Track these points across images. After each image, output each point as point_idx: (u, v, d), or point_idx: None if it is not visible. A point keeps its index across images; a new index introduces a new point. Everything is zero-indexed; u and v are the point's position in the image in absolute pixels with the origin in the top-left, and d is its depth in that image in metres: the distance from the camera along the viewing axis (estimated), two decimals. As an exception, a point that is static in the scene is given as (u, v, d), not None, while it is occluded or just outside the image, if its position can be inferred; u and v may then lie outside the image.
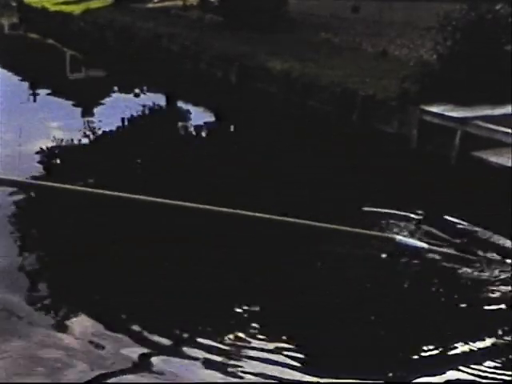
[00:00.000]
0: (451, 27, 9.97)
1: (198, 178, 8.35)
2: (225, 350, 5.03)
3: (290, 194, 7.64)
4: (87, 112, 12.25)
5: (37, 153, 9.50)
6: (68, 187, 5.74)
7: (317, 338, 5.18)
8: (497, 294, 5.74)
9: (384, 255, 6.13)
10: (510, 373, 4.83)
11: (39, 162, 9.20)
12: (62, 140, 10.18)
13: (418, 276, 6.03)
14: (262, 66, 13.12)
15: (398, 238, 6.12)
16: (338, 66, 12.23)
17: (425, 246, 6.09)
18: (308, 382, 4.85)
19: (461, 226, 6.98)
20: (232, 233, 6.25)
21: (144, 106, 13.09)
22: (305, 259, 6.12)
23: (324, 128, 10.47)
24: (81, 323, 5.33)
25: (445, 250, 6.24)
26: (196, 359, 4.94)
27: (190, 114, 12.70)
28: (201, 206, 5.52)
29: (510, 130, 8.33)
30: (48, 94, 13.84)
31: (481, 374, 4.82)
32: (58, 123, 11.22)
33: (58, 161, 9.52)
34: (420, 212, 7.27)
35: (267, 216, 5.64)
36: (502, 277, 5.95)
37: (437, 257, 6.14)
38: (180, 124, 12.05)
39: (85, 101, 12.95)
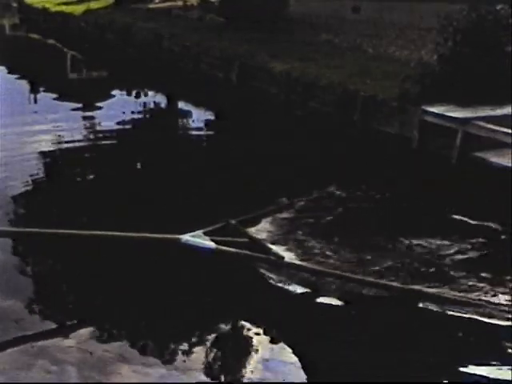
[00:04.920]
0: (452, 28, 9.98)
1: (196, 179, 8.35)
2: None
3: (290, 195, 7.66)
4: (87, 112, 12.28)
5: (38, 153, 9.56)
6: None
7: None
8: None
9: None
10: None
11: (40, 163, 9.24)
12: (62, 141, 10.23)
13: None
14: (262, 66, 13.13)
15: (184, 238, 5.84)
16: (339, 66, 12.24)
17: (213, 246, 5.82)
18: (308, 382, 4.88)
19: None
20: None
21: (145, 106, 13.14)
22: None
23: (325, 129, 10.48)
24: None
25: (237, 250, 5.94)
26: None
27: (191, 114, 12.74)
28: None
29: (510, 131, 8.34)
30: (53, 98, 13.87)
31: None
32: (59, 124, 11.26)
33: (59, 161, 9.56)
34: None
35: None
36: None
37: None
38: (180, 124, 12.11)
39: (85, 101, 12.96)
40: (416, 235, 6.65)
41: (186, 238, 5.83)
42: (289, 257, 6.10)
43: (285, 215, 7.13)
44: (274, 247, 6.14)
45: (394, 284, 5.78)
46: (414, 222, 7.11)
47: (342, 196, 7.73)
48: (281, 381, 4.81)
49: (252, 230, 6.56)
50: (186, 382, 4.78)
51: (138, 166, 9.56)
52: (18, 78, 15.77)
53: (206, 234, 6.01)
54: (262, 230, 6.69)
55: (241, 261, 5.94)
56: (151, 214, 7.17)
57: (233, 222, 6.49)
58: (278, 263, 5.93)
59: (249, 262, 6.00)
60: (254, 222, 6.81)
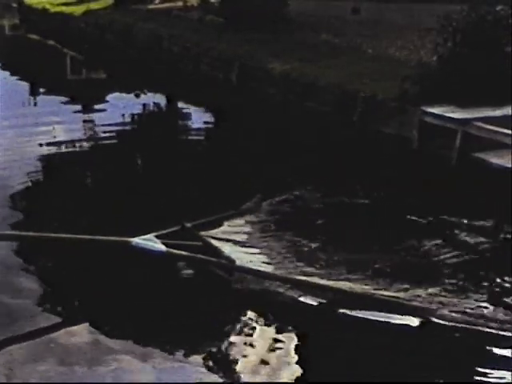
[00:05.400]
0: (451, 28, 9.98)
1: (195, 179, 8.34)
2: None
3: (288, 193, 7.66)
4: (88, 112, 12.29)
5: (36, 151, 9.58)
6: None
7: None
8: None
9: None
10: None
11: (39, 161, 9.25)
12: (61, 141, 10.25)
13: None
14: (262, 66, 13.12)
15: (135, 241, 5.80)
16: (338, 67, 12.23)
17: (163, 249, 5.76)
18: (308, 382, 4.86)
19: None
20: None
21: (144, 106, 13.14)
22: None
23: (324, 129, 10.47)
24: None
25: (187, 253, 5.85)
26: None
27: (190, 114, 12.75)
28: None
29: (510, 131, 8.33)
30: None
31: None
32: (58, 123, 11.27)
33: (58, 160, 9.57)
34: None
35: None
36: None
37: None
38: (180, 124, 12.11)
39: (85, 101, 12.96)
40: (412, 236, 6.63)
41: (137, 241, 5.79)
42: (247, 260, 6.03)
43: (247, 218, 7.03)
44: (226, 251, 6.03)
45: (353, 289, 5.62)
46: (409, 223, 7.07)
47: (308, 198, 7.64)
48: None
49: (213, 233, 6.47)
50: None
51: (138, 162, 9.55)
52: (15, 76, 15.79)
53: (160, 236, 5.96)
54: (223, 232, 6.59)
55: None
56: (147, 212, 7.14)
57: (188, 225, 6.37)
58: (228, 267, 5.85)
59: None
60: (216, 224, 6.72)
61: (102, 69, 17.59)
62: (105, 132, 11.00)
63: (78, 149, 9.99)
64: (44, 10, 24.74)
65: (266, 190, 7.67)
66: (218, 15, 18.03)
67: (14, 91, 14.20)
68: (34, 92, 14.18)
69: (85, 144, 10.37)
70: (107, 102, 13.39)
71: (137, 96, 14.26)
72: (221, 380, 4.82)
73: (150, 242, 5.83)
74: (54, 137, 10.33)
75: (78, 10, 22.84)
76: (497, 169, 8.06)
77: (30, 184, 8.33)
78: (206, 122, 12.10)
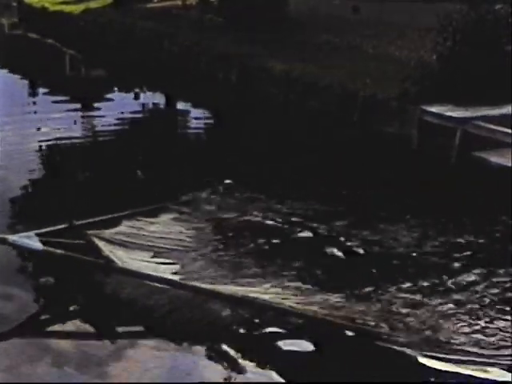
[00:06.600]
0: (451, 28, 9.98)
1: (195, 179, 8.34)
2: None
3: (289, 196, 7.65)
4: (87, 111, 12.28)
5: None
6: None
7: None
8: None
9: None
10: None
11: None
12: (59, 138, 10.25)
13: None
14: (262, 66, 13.11)
15: (12, 238, 5.69)
16: (339, 66, 12.23)
17: (40, 247, 5.61)
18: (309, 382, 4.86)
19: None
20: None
21: (143, 105, 13.14)
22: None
23: (324, 128, 10.47)
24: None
25: (65, 252, 5.63)
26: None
27: (189, 113, 12.75)
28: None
29: (509, 130, 8.34)
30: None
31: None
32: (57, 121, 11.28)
33: (57, 159, 9.57)
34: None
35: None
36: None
37: None
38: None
39: (84, 100, 12.96)
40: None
41: (14, 238, 5.70)
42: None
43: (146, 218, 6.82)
44: (108, 250, 5.87)
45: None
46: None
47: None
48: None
49: (106, 233, 6.29)
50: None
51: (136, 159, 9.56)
52: (14, 75, 15.79)
53: (46, 234, 5.86)
54: (117, 233, 6.40)
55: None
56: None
57: (76, 223, 6.22)
58: (106, 267, 5.68)
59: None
60: (114, 223, 6.53)
61: (101, 67, 17.57)
62: (101, 131, 11.02)
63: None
64: (43, 8, 24.72)
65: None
66: (217, 14, 18.01)
67: (14, 89, 14.20)
68: (33, 90, 14.18)
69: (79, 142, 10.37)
70: (106, 100, 13.39)
71: (136, 95, 14.24)
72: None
73: (26, 239, 5.70)
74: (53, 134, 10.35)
75: (78, 8, 22.83)
76: (496, 167, 8.06)
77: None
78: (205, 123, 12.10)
